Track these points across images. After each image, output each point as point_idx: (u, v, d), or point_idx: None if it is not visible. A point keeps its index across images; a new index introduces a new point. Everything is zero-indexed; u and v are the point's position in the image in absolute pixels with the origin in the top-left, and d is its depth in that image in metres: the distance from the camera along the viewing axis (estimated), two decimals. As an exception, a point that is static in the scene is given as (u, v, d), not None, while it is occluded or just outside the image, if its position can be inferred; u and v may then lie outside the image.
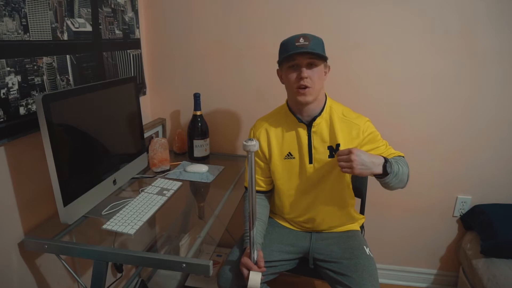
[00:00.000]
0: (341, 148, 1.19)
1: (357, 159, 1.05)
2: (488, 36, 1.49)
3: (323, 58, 1.12)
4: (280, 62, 1.18)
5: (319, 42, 1.13)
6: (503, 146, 1.62)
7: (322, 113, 1.19)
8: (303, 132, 1.21)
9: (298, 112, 1.21)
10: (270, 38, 1.60)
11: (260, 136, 1.27)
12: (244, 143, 0.92)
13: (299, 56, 1.10)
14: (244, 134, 1.81)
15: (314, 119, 1.19)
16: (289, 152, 1.24)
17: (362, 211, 1.52)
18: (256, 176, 1.30)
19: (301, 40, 1.09)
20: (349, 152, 1.06)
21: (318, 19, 1.57)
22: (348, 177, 1.26)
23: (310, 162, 1.22)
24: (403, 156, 1.23)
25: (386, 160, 1.10)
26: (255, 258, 1.09)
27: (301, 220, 1.32)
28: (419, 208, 1.77)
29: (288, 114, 1.23)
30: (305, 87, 1.11)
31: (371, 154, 1.11)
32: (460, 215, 1.74)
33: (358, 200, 1.47)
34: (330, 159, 1.21)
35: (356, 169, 1.05)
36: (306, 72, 1.10)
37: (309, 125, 1.20)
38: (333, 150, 1.21)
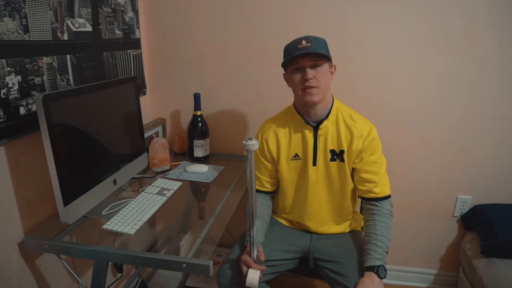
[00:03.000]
0: (345, 155, 1.20)
1: None
2: (488, 35, 1.49)
3: (326, 58, 1.11)
4: (284, 66, 1.18)
5: (322, 42, 1.13)
6: (503, 146, 1.62)
7: (329, 116, 1.19)
8: (309, 134, 1.21)
9: (306, 114, 1.20)
10: (270, 38, 1.61)
11: (269, 138, 1.26)
12: (244, 142, 0.92)
13: (302, 58, 1.10)
14: (244, 134, 1.81)
15: (321, 122, 1.19)
16: (296, 153, 1.24)
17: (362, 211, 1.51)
18: (262, 177, 1.31)
19: (303, 42, 1.09)
20: None
21: (318, 19, 1.57)
22: (351, 182, 1.24)
23: (314, 164, 1.22)
24: (389, 196, 1.22)
25: (376, 269, 1.09)
26: (255, 257, 1.09)
27: (302, 221, 1.32)
28: (419, 208, 1.77)
29: (295, 115, 1.23)
30: (311, 87, 1.11)
31: (369, 283, 1.07)
32: (460, 215, 1.74)
33: (358, 200, 1.47)
34: (331, 162, 1.21)
35: None
36: (310, 73, 1.10)
37: (316, 127, 1.20)
38: (336, 154, 1.21)
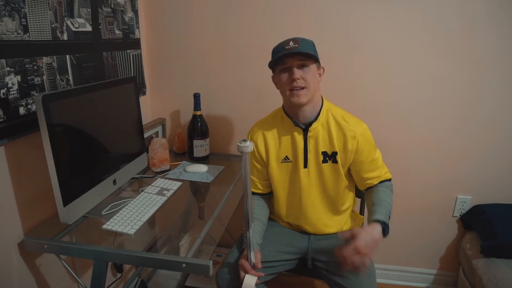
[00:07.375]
0: (339, 156, 1.19)
1: (367, 250, 1.00)
2: (488, 36, 1.49)
3: (313, 58, 1.11)
4: (272, 67, 1.18)
5: (309, 44, 1.13)
6: (503, 146, 1.62)
7: (319, 118, 1.18)
8: (299, 137, 1.21)
9: (294, 116, 1.20)
10: (270, 38, 1.59)
11: (258, 139, 1.26)
12: (238, 144, 0.91)
13: (289, 58, 1.10)
14: (244, 134, 1.80)
15: (310, 123, 1.19)
16: (286, 156, 1.24)
17: (362, 212, 1.51)
18: (254, 178, 1.31)
19: (291, 43, 1.10)
20: (356, 251, 0.99)
21: (318, 19, 1.57)
22: (345, 181, 1.24)
23: (305, 166, 1.22)
24: (390, 179, 1.25)
25: (383, 223, 1.07)
26: (253, 260, 1.09)
27: (300, 224, 1.32)
28: (419, 208, 1.77)
29: (284, 117, 1.23)
30: (299, 88, 1.10)
31: (370, 229, 1.05)
32: (460, 215, 1.74)
33: (358, 200, 1.47)
34: (324, 164, 1.21)
35: (368, 257, 1.01)
36: (297, 73, 1.10)
37: (305, 129, 1.20)
38: (328, 156, 1.21)
